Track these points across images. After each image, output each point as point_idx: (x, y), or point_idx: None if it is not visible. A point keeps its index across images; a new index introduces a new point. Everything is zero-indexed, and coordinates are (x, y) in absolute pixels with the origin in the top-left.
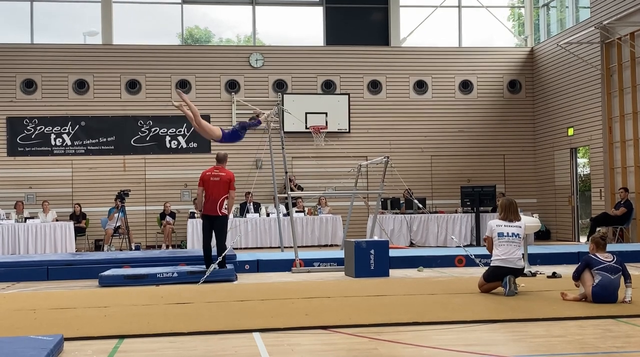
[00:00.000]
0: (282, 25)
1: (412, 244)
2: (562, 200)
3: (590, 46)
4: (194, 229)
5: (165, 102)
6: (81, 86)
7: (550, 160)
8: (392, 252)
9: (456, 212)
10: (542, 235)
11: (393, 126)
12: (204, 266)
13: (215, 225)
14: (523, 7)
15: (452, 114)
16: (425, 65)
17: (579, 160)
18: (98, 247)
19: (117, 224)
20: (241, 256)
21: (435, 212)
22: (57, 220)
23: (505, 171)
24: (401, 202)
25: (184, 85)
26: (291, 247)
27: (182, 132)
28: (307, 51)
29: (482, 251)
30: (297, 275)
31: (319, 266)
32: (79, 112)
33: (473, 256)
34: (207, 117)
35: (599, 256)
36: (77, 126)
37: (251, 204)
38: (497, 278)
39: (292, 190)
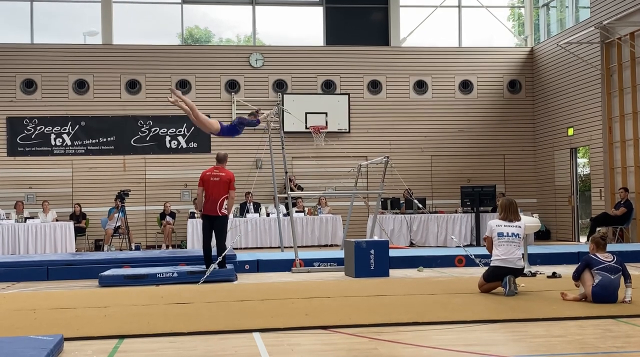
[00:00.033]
0: (282, 25)
1: (412, 244)
2: (562, 200)
3: (590, 46)
4: (194, 229)
5: (165, 102)
6: (81, 86)
7: (550, 160)
8: (392, 252)
9: (456, 212)
10: (542, 235)
11: (393, 126)
12: (204, 266)
13: (215, 225)
14: (523, 7)
15: (452, 114)
16: (425, 65)
17: (579, 160)
18: (98, 247)
19: (117, 224)
20: (241, 256)
21: (435, 212)
22: (57, 220)
23: (505, 171)
24: (401, 202)
25: (184, 85)
26: (291, 247)
27: (182, 132)
28: (307, 51)
29: (482, 251)
30: (297, 275)
31: (319, 266)
32: (79, 112)
33: (473, 256)
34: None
35: (599, 256)
36: (77, 126)
37: (251, 204)
38: (497, 278)
39: (292, 190)
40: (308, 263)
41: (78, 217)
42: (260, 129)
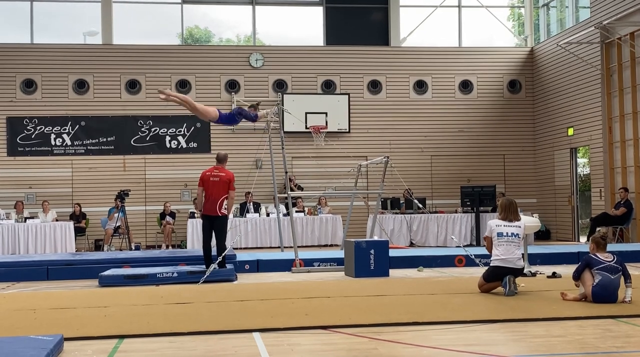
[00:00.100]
0: (282, 25)
1: (412, 244)
2: (562, 200)
3: (590, 46)
4: (194, 229)
5: (165, 102)
6: (81, 86)
7: (550, 160)
8: (392, 252)
9: (456, 212)
10: (542, 235)
11: (393, 126)
12: (204, 266)
13: (215, 225)
14: (523, 7)
15: (452, 114)
16: (425, 65)
17: (579, 160)
18: (98, 247)
19: (117, 224)
20: (241, 256)
21: (435, 212)
22: (57, 220)
23: (505, 171)
24: (401, 202)
25: (183, 85)
26: (291, 247)
27: (182, 132)
28: (307, 51)
29: (482, 250)
30: (297, 275)
31: (319, 266)
32: (79, 112)
33: (473, 256)
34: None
35: (599, 256)
36: (77, 126)
37: (251, 204)
38: (497, 278)
39: (292, 190)
40: (308, 263)
41: (78, 217)
42: (260, 129)
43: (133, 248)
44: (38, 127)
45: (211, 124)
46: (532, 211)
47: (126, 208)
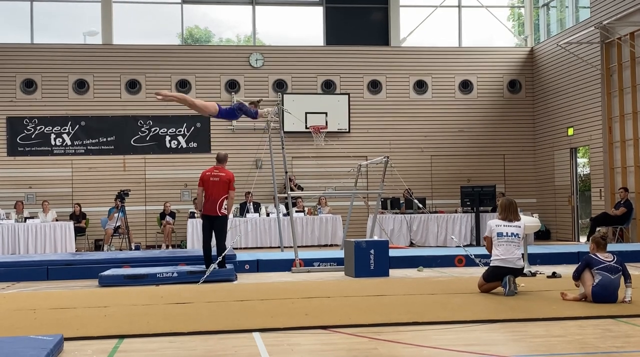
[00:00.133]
0: (282, 25)
1: (412, 244)
2: (562, 200)
3: (590, 46)
4: (194, 229)
5: (165, 102)
6: (81, 86)
7: (550, 160)
8: (392, 252)
9: (456, 212)
10: (542, 235)
11: (393, 126)
12: (204, 266)
13: (215, 225)
14: (523, 7)
15: (452, 114)
16: (425, 65)
17: (579, 160)
18: (98, 247)
19: (117, 224)
20: (241, 256)
21: (435, 212)
22: (57, 220)
23: (505, 171)
24: (401, 202)
25: (183, 85)
26: (291, 247)
27: (182, 132)
28: (307, 51)
29: (482, 250)
30: (297, 275)
31: (318, 265)
32: (79, 112)
33: (473, 256)
34: (207, 117)
35: (599, 256)
36: (77, 126)
37: (251, 204)
38: (497, 278)
39: (292, 190)
40: (308, 263)
41: (78, 217)
42: (260, 129)
43: (133, 248)
44: (38, 127)
45: (211, 124)
46: (532, 211)
47: (126, 208)
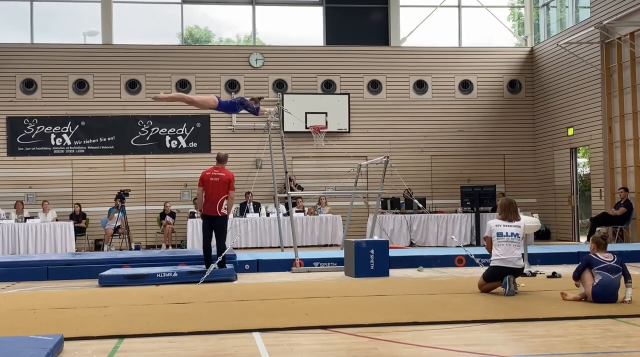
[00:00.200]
0: (282, 25)
1: (412, 244)
2: (562, 200)
3: (590, 46)
4: (194, 229)
5: (165, 102)
6: (81, 86)
7: (550, 160)
8: (392, 252)
9: (456, 212)
10: (542, 235)
11: (393, 126)
12: (204, 266)
13: (215, 225)
14: (523, 7)
15: (452, 114)
16: (425, 65)
17: (579, 160)
18: (98, 247)
19: (117, 224)
20: (241, 256)
21: (435, 212)
22: (57, 220)
23: (505, 171)
24: (401, 202)
25: (183, 85)
26: (291, 247)
27: (182, 132)
28: (307, 51)
29: (482, 250)
30: (297, 275)
31: (319, 265)
32: (79, 112)
33: (473, 256)
34: (207, 116)
35: (599, 256)
36: (77, 126)
37: (251, 203)
38: (497, 278)
39: (292, 190)
40: (308, 263)
41: (78, 217)
42: (260, 129)
43: (133, 248)
44: (38, 127)
45: (211, 124)
46: (532, 211)
47: (126, 208)
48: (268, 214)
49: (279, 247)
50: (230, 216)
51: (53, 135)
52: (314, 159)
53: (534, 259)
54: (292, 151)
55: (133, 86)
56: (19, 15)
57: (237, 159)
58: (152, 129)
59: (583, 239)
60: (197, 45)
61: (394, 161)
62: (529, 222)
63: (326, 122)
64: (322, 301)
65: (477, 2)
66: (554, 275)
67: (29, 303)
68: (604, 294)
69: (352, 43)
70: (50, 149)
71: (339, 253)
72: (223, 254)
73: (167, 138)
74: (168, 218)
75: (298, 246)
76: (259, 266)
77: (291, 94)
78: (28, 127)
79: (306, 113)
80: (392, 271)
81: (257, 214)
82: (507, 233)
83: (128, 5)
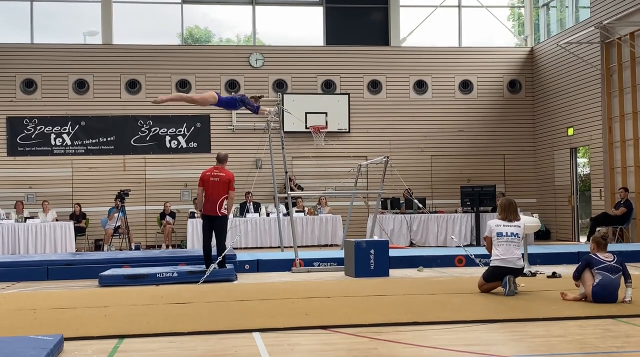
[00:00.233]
0: (282, 25)
1: (412, 244)
2: (562, 200)
3: (590, 46)
4: (194, 229)
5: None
6: (81, 86)
7: (550, 160)
8: (392, 252)
9: (456, 212)
10: (542, 235)
11: (393, 126)
12: (204, 266)
13: (215, 225)
14: (523, 7)
15: (452, 114)
16: (425, 65)
17: (579, 160)
18: (98, 247)
19: (117, 224)
20: (241, 256)
21: (435, 212)
22: (57, 220)
23: (505, 171)
24: (401, 202)
25: (183, 85)
26: (291, 247)
27: (182, 132)
28: (307, 51)
29: (482, 250)
30: (297, 275)
31: (319, 265)
32: (79, 112)
33: (473, 256)
34: (207, 116)
35: (599, 256)
36: (77, 126)
37: (251, 203)
38: (497, 278)
39: (292, 190)
40: (308, 263)
41: (78, 217)
42: (260, 129)
43: (133, 248)
44: (38, 127)
45: (211, 124)
46: (532, 211)
47: (126, 208)
48: (268, 214)
49: (279, 247)
50: (230, 216)
51: (53, 135)
52: (314, 159)
53: (534, 259)
54: (292, 151)
55: (133, 86)
56: (19, 15)
57: (237, 159)
58: (152, 129)
59: (583, 239)
60: (197, 45)
61: (394, 161)
62: (529, 222)
63: (326, 122)
64: (322, 301)
65: (477, 2)
66: (554, 275)
67: (29, 303)
68: (604, 294)
69: (352, 43)
70: (50, 149)
71: (339, 253)
72: (223, 254)
73: (167, 138)
74: (168, 218)
75: (298, 246)
76: (259, 266)
77: (291, 94)
78: (28, 127)
79: (306, 113)
80: (392, 271)
81: (257, 214)
82: (507, 233)
83: (128, 5)
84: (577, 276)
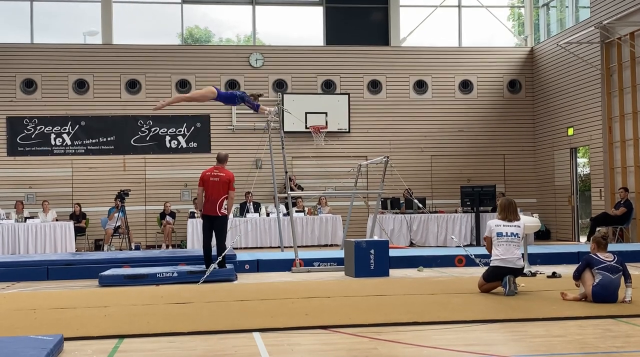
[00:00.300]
0: (282, 25)
1: (412, 244)
2: (562, 200)
3: (590, 46)
4: (194, 229)
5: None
6: (81, 86)
7: (550, 160)
8: (392, 252)
9: (456, 212)
10: (542, 235)
11: (393, 126)
12: (204, 266)
13: (215, 225)
14: (523, 7)
15: (452, 114)
16: (425, 65)
17: (579, 160)
18: (98, 247)
19: (117, 224)
20: (241, 256)
21: (435, 212)
22: (57, 220)
23: (505, 171)
24: (401, 202)
25: (183, 85)
26: (291, 247)
27: (182, 132)
28: (307, 51)
29: (482, 250)
30: (297, 275)
31: (319, 265)
32: (79, 112)
33: (473, 256)
34: (207, 116)
35: (599, 256)
36: (77, 126)
37: (251, 203)
38: (497, 278)
39: (292, 190)
40: (308, 263)
41: (78, 217)
42: (260, 129)
43: (133, 248)
44: (38, 127)
45: (211, 124)
46: (532, 211)
47: (126, 208)
48: (268, 214)
49: (279, 247)
50: (230, 216)
51: (53, 135)
52: (314, 159)
53: (534, 259)
54: (292, 151)
55: (133, 86)
56: (19, 15)
57: (237, 159)
58: (152, 129)
59: (583, 239)
60: (197, 45)
61: (394, 161)
62: (529, 222)
63: (326, 122)
64: (322, 301)
65: (477, 2)
66: (554, 275)
67: (29, 303)
68: (604, 294)
69: (352, 43)
70: (50, 149)
71: (339, 253)
72: (223, 254)
73: (167, 138)
74: (168, 218)
75: (298, 246)
76: (259, 266)
77: (291, 94)
78: (28, 127)
79: (306, 113)
80: (392, 271)
81: (257, 214)
82: (507, 233)
83: (128, 5)
84: (577, 275)
